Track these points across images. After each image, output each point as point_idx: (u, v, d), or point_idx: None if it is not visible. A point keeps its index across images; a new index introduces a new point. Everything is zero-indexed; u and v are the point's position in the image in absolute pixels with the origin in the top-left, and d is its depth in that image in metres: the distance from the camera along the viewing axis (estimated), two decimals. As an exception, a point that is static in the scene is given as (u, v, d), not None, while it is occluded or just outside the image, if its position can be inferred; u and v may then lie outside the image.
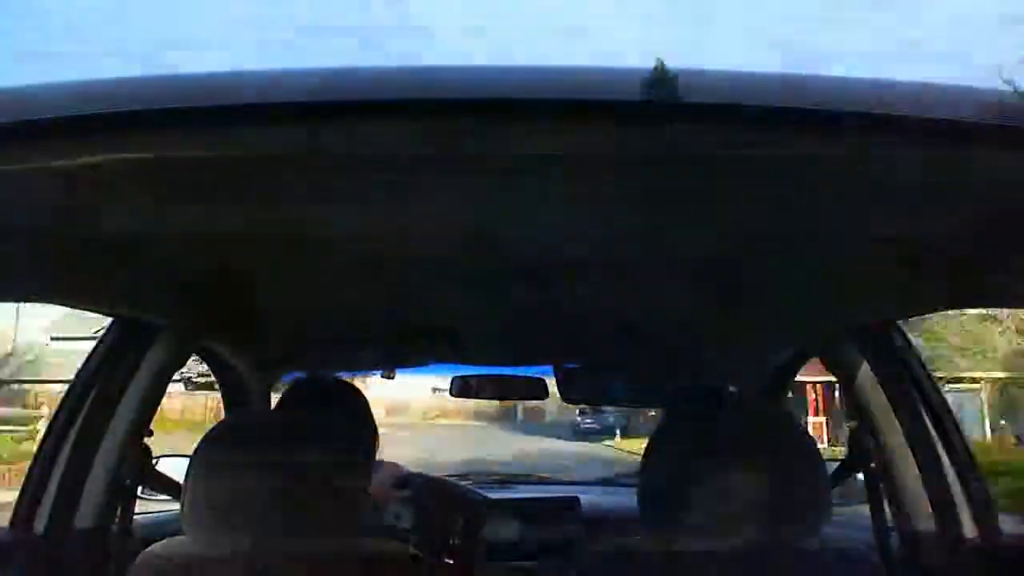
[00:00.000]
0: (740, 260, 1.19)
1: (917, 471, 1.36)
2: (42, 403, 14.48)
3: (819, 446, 1.11)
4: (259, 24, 0.65)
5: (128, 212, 0.88)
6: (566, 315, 1.72)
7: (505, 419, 24.15)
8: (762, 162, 0.70)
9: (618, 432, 19.54)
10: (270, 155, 0.70)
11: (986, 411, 15.16)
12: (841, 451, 1.80)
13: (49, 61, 0.61)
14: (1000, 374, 14.87)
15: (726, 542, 1.01)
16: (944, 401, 1.40)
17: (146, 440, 1.47)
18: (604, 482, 3.13)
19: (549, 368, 2.40)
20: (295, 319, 1.73)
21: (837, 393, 11.54)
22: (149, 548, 1.05)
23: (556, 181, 0.78)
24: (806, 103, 0.58)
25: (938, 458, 1.35)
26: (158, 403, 1.50)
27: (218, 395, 2.11)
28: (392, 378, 2.34)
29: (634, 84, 0.59)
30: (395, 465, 2.22)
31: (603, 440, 19.58)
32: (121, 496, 1.41)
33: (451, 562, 2.19)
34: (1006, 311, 12.54)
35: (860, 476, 1.48)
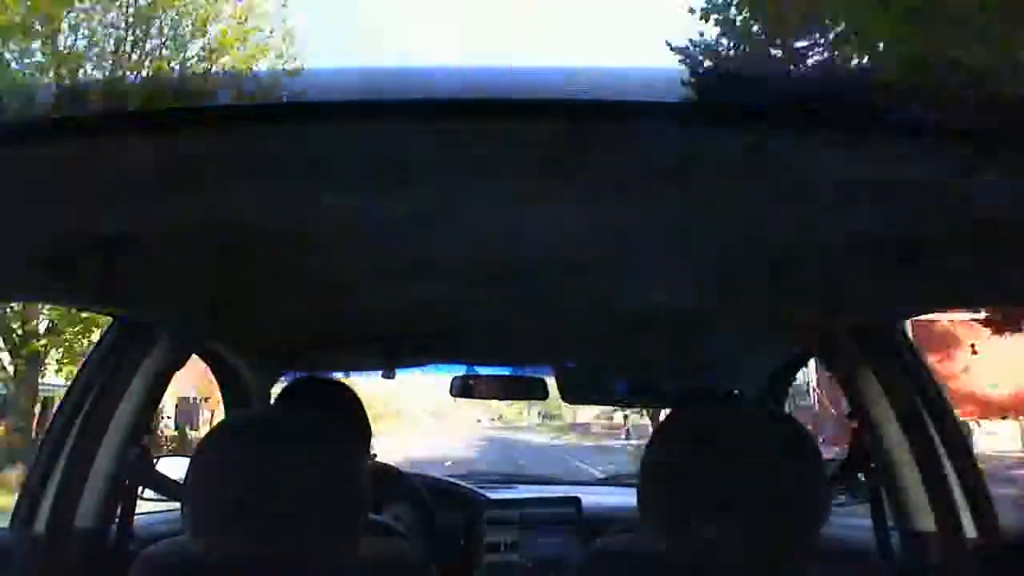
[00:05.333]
0: (740, 260, 1.19)
1: (917, 471, 1.36)
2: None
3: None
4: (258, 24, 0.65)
5: (128, 212, 0.88)
6: (566, 315, 1.72)
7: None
8: (763, 162, 0.70)
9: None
10: (270, 155, 0.70)
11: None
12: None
13: (49, 60, 0.61)
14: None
15: (726, 542, 1.01)
16: (944, 401, 1.40)
17: (145, 440, 1.47)
18: (604, 482, 3.13)
19: (549, 368, 2.40)
20: (295, 319, 1.73)
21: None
22: (149, 548, 1.05)
23: (556, 181, 0.78)
24: (807, 103, 0.58)
25: (938, 458, 1.35)
26: (158, 403, 1.50)
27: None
28: (392, 378, 2.34)
29: (634, 84, 0.59)
30: (391, 467, 2.22)
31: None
32: (121, 496, 1.41)
33: (451, 562, 2.19)
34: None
35: (860, 476, 1.48)
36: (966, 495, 1.33)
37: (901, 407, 1.37)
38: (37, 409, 11.61)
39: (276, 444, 1.04)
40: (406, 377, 2.37)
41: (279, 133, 0.64)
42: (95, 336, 9.01)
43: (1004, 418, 15.25)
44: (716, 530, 1.01)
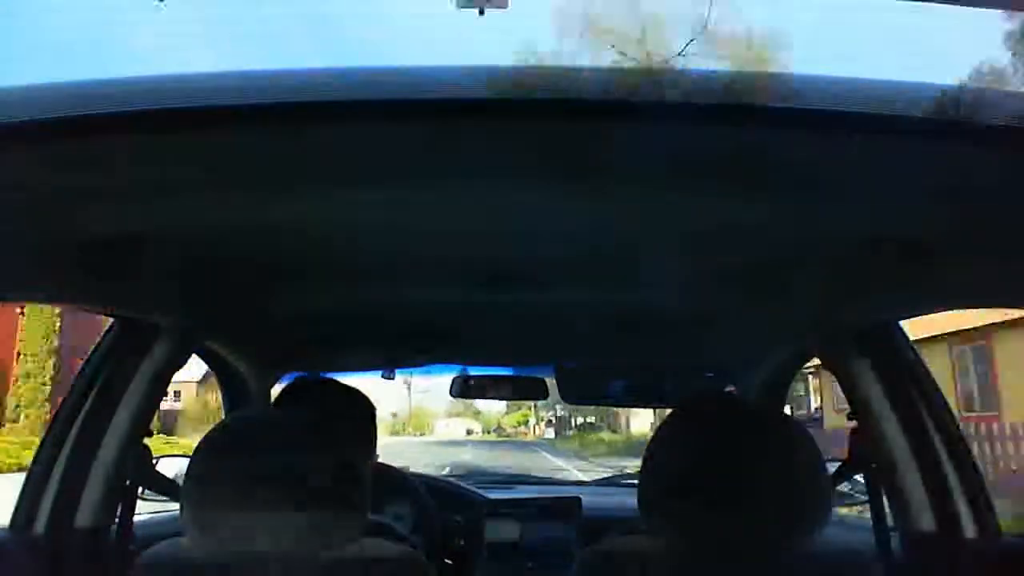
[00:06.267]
0: (740, 260, 1.20)
1: (917, 471, 1.36)
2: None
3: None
4: (258, 24, 0.65)
5: (129, 212, 0.88)
6: (566, 315, 1.72)
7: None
8: (763, 162, 0.70)
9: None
10: (270, 155, 0.70)
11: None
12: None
13: (50, 61, 0.61)
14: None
15: (726, 542, 1.01)
16: (944, 401, 1.40)
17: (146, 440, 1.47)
18: (604, 482, 3.13)
19: (549, 368, 2.40)
20: (295, 319, 1.73)
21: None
22: (149, 548, 1.05)
23: (557, 181, 0.78)
24: (806, 103, 0.58)
25: (938, 458, 1.35)
26: (158, 403, 1.50)
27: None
28: (392, 378, 2.35)
29: (634, 84, 0.59)
30: (391, 467, 2.22)
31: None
32: (121, 496, 1.41)
33: (451, 562, 2.19)
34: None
35: (860, 476, 1.48)
36: (966, 495, 1.33)
37: (901, 407, 1.37)
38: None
39: (276, 444, 1.04)
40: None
41: (279, 133, 0.64)
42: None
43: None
44: (716, 530, 1.01)
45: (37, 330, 12.82)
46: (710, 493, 1.01)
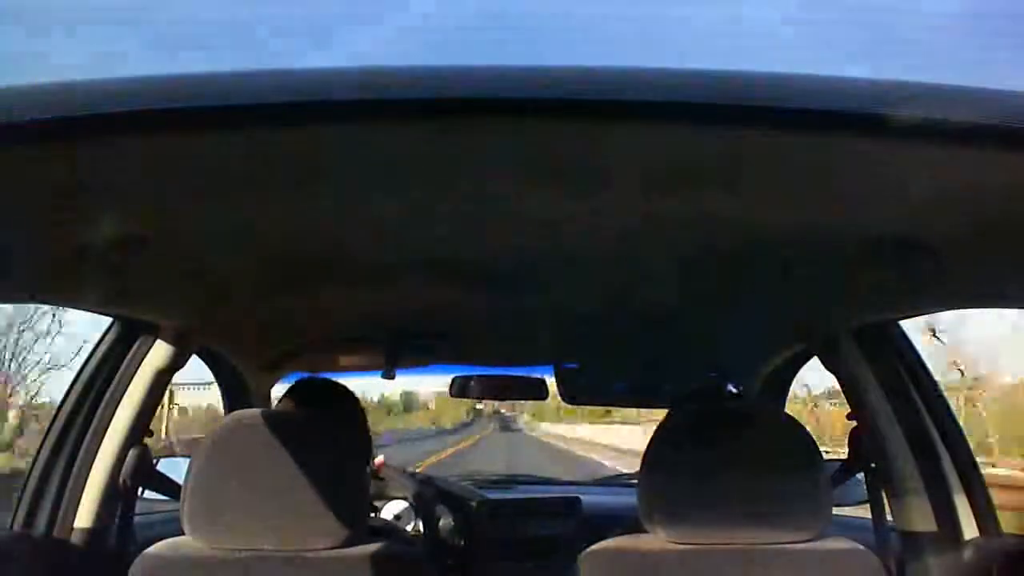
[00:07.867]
0: (740, 260, 1.20)
1: (917, 471, 1.36)
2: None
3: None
4: (258, 24, 0.65)
5: (129, 213, 0.88)
6: (566, 315, 1.72)
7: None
8: (762, 161, 0.70)
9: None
10: (269, 155, 0.70)
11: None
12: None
13: (50, 61, 0.61)
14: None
15: (726, 542, 1.01)
16: (944, 401, 1.40)
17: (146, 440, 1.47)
18: (604, 482, 3.13)
19: (549, 368, 2.40)
20: (295, 320, 1.74)
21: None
22: (149, 548, 1.05)
23: (556, 181, 0.78)
24: (807, 103, 0.58)
25: (938, 458, 1.35)
26: (158, 403, 1.50)
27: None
28: (392, 378, 2.35)
29: (633, 83, 0.59)
30: (394, 467, 2.22)
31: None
32: (121, 496, 1.41)
33: (451, 562, 2.19)
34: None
35: (860, 476, 1.48)
36: (966, 495, 1.34)
37: (901, 407, 1.37)
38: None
39: (276, 444, 1.04)
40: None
41: (278, 133, 0.64)
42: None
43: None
44: (716, 530, 1.01)
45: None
46: (709, 493, 1.01)
